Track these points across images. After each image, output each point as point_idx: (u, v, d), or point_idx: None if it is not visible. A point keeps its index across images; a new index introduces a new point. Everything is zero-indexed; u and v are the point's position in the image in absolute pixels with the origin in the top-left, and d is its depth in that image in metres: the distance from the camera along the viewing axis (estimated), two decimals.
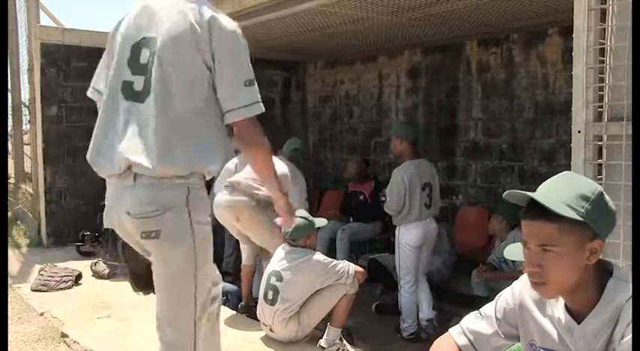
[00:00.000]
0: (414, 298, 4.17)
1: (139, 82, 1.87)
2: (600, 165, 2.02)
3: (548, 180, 1.41)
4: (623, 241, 1.85)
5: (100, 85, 2.05)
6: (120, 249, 4.87)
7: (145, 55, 1.88)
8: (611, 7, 1.97)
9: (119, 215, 1.92)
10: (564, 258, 1.33)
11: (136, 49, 1.90)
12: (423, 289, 4.24)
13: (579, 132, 2.06)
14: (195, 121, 1.88)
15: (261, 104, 1.93)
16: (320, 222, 3.66)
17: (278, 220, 2.39)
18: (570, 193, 1.33)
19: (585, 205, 1.32)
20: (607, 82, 2.00)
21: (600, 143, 2.02)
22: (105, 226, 2.07)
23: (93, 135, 1.97)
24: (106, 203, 2.01)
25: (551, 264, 1.33)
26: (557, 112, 5.04)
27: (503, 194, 1.44)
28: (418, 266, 4.19)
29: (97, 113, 2.02)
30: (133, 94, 1.88)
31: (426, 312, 4.19)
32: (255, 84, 1.93)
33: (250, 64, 1.92)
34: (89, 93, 2.12)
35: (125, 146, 1.84)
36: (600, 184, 1.98)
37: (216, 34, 1.86)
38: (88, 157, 1.99)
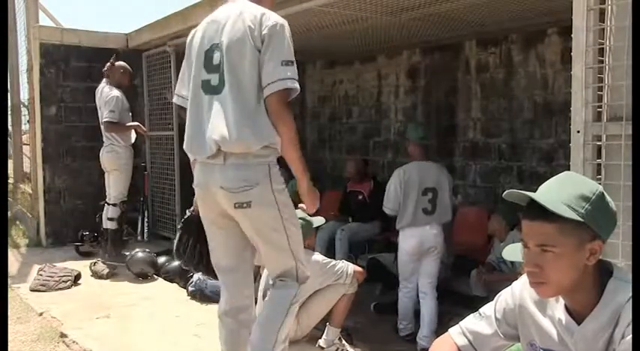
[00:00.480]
0: (412, 303, 4.04)
1: (214, 79, 2.26)
2: (599, 165, 2.02)
3: (549, 180, 1.41)
4: (622, 241, 1.85)
5: (183, 91, 2.44)
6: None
7: (216, 57, 2.26)
8: (610, 7, 1.97)
9: (210, 190, 2.30)
10: (563, 258, 1.32)
11: (209, 53, 2.29)
12: (428, 305, 3.96)
13: (578, 132, 2.06)
14: (259, 103, 2.22)
15: (296, 82, 2.21)
16: (318, 221, 3.65)
17: (301, 206, 2.49)
18: (570, 194, 1.33)
19: (585, 206, 1.32)
20: (606, 82, 2.00)
21: (599, 143, 2.02)
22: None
23: (186, 129, 2.38)
24: (194, 181, 2.40)
25: (550, 264, 1.32)
26: (556, 112, 5.04)
27: (503, 194, 1.43)
28: (418, 274, 4.03)
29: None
30: (211, 89, 2.27)
31: (425, 336, 3.83)
32: (294, 65, 2.21)
33: (291, 49, 2.23)
34: (175, 100, 2.50)
35: (212, 131, 2.22)
36: (599, 184, 1.98)
37: (265, 25, 2.20)
38: (184, 146, 2.41)
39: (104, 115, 5.21)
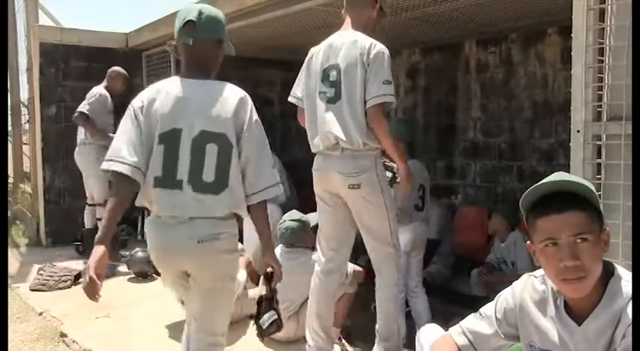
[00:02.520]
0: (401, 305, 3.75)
1: (330, 92, 2.85)
2: (599, 164, 2.02)
3: (547, 178, 1.41)
4: (622, 241, 1.85)
5: (297, 92, 3.04)
6: None
7: (332, 75, 2.85)
8: (609, 7, 1.97)
9: (329, 174, 2.88)
10: (597, 247, 1.34)
11: (327, 71, 2.88)
12: (422, 302, 3.88)
13: (578, 131, 2.06)
14: (363, 115, 2.78)
15: (393, 97, 2.79)
16: (314, 219, 3.64)
17: (399, 181, 2.98)
18: (583, 186, 1.36)
19: (595, 196, 1.36)
20: (606, 81, 2.00)
21: (599, 143, 2.02)
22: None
23: (307, 129, 3.00)
24: (314, 166, 2.98)
25: (588, 254, 1.31)
26: (556, 112, 5.04)
27: (524, 194, 1.40)
28: (409, 273, 3.89)
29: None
30: (327, 99, 2.86)
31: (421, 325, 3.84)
32: (392, 84, 2.79)
33: (390, 71, 2.79)
34: (290, 98, 3.09)
35: (330, 131, 2.81)
36: (599, 183, 1.98)
37: (371, 53, 2.77)
38: (310, 140, 2.98)
39: (79, 106, 5.24)
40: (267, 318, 2.36)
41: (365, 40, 2.82)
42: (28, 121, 7.37)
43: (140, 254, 5.00)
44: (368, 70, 2.77)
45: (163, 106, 2.08)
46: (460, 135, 5.91)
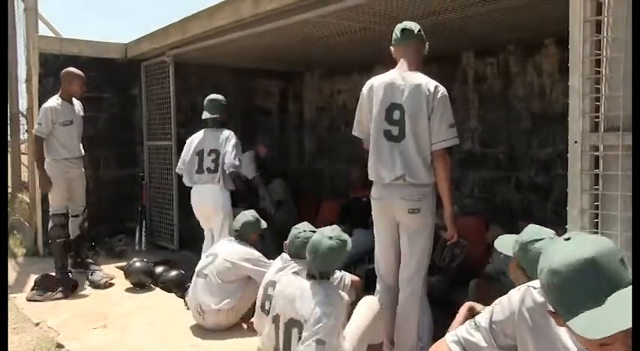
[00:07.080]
0: None
1: (395, 130, 3.08)
2: (597, 175, 2.02)
3: (582, 274, 1.20)
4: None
5: (359, 129, 3.29)
6: None
7: (396, 114, 3.07)
8: (606, 19, 1.98)
9: (391, 201, 3.13)
10: None
11: (389, 110, 3.09)
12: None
13: (576, 142, 2.06)
14: (427, 151, 3.06)
15: (457, 139, 3.09)
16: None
17: (445, 234, 3.27)
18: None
19: None
20: (603, 92, 2.01)
21: (597, 153, 2.03)
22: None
23: (371, 162, 3.20)
24: (374, 196, 3.24)
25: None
26: (553, 122, 5.05)
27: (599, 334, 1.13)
28: None
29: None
30: (392, 137, 3.09)
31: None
32: (455, 127, 3.07)
33: (452, 113, 3.07)
34: (354, 132, 3.35)
35: (397, 166, 3.07)
36: (597, 194, 1.98)
37: (436, 97, 3.02)
38: (371, 174, 3.22)
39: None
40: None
41: (429, 83, 3.05)
42: (26, 130, 7.36)
43: (138, 264, 4.98)
44: (433, 113, 3.01)
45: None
46: (458, 145, 5.91)
